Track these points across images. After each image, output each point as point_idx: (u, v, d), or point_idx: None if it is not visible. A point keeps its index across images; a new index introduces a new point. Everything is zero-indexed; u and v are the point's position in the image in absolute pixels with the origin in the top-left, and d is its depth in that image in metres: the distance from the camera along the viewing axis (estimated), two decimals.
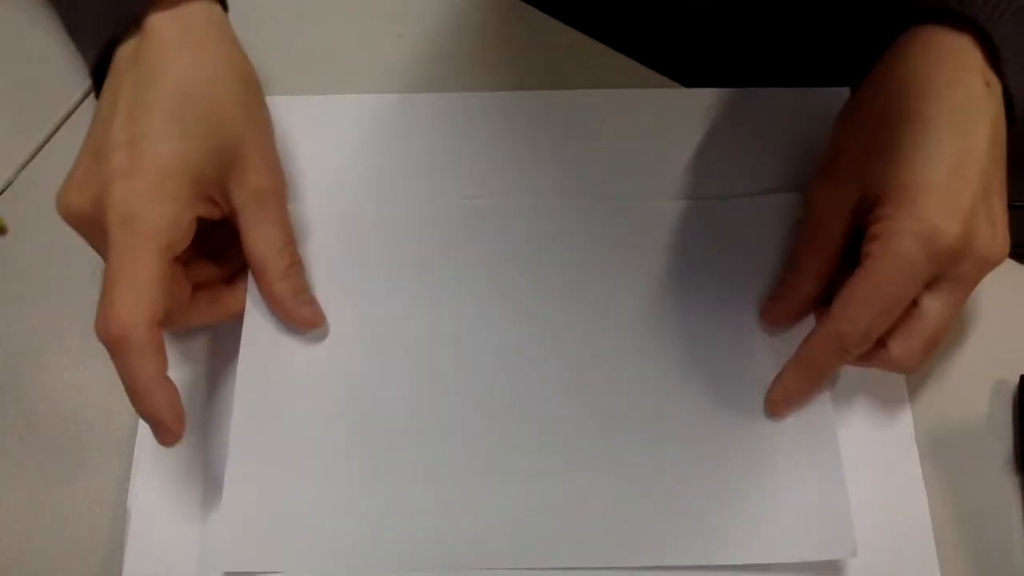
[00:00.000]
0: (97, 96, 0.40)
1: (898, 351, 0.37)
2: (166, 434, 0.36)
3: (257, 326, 0.42)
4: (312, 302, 0.42)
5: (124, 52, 0.39)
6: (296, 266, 0.41)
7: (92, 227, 0.37)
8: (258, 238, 0.40)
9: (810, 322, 0.41)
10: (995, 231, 0.36)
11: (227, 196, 0.39)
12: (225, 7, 0.42)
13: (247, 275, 0.42)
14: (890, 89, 0.38)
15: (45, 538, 0.41)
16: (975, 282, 0.37)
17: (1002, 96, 0.38)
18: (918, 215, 0.35)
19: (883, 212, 0.37)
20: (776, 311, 0.41)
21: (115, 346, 0.35)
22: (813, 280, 0.40)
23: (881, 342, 0.37)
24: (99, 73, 0.40)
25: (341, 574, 0.38)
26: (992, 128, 0.36)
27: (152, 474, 0.40)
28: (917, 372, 0.42)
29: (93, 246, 0.38)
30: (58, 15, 0.45)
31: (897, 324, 0.37)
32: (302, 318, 0.41)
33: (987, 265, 0.36)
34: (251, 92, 0.41)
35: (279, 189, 0.41)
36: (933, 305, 0.37)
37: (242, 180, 0.39)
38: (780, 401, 0.40)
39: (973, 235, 0.35)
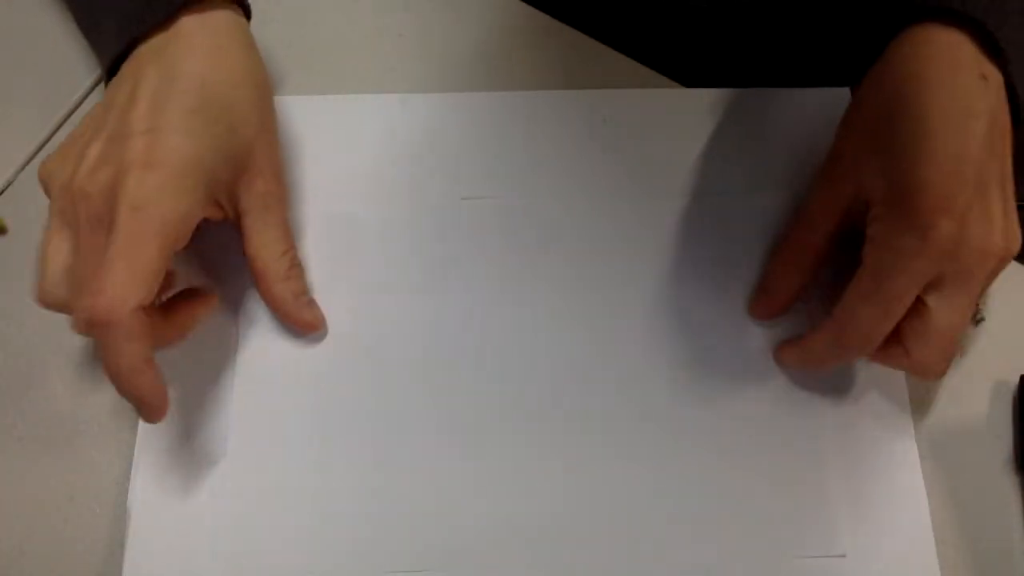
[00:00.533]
0: (107, 84, 0.40)
1: (917, 354, 0.37)
2: (151, 412, 0.37)
3: (256, 327, 0.42)
4: (312, 304, 0.42)
5: (146, 47, 0.39)
6: (296, 269, 0.42)
7: (95, 211, 0.36)
8: (261, 242, 0.41)
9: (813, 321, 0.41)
10: (992, 224, 0.36)
11: (234, 199, 0.40)
12: (248, 16, 0.43)
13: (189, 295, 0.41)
14: (886, 88, 0.38)
15: (45, 538, 0.41)
16: (980, 278, 0.37)
17: (1003, 90, 0.38)
18: (910, 213, 0.35)
19: (877, 212, 0.37)
20: (760, 302, 0.42)
21: (102, 327, 0.34)
22: (796, 272, 0.41)
23: (902, 346, 0.37)
24: (113, 67, 0.40)
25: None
26: (988, 122, 0.36)
27: (152, 474, 0.40)
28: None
29: (70, 222, 0.37)
30: (71, 10, 0.45)
31: (910, 326, 0.37)
32: (302, 320, 0.41)
33: (987, 258, 0.36)
34: (265, 99, 0.41)
35: (283, 195, 0.42)
36: (940, 304, 0.36)
37: (251, 184, 0.40)
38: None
39: (967, 229, 0.35)
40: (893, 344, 0.37)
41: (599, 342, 0.42)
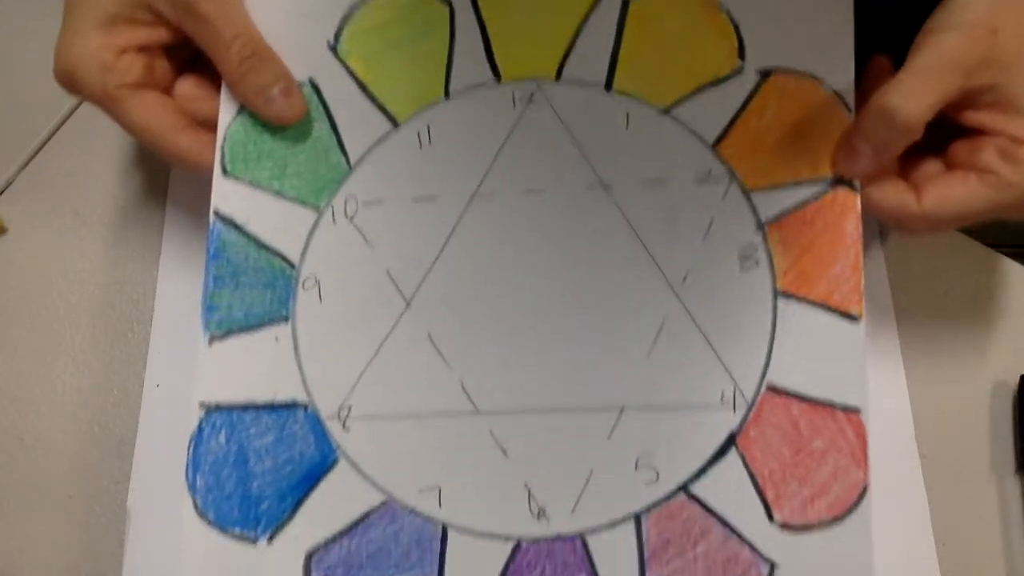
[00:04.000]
0: None
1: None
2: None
3: None
4: (285, 94, 0.39)
5: None
6: (251, 60, 0.39)
7: None
8: (204, 44, 0.38)
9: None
10: None
11: (158, 14, 0.38)
12: None
13: None
14: None
15: (45, 538, 0.41)
16: None
17: None
18: None
19: (1022, 135, 0.35)
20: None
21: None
22: None
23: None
24: None
25: None
26: None
27: (152, 474, 0.40)
28: (918, 371, 0.42)
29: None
30: None
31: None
32: (276, 115, 0.39)
33: None
34: None
35: None
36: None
37: None
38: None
39: None
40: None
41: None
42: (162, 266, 0.44)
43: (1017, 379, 0.42)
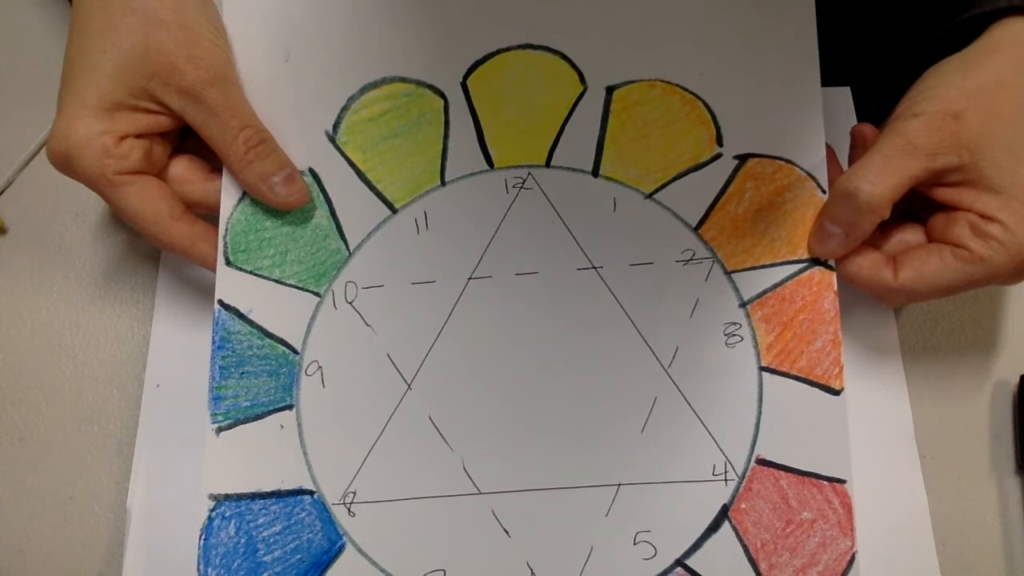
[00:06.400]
0: None
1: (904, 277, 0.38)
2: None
3: None
4: (288, 181, 0.40)
5: None
6: (258, 148, 0.40)
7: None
8: (208, 135, 0.39)
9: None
10: None
11: (162, 103, 0.39)
12: None
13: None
14: (1000, 68, 0.37)
15: (45, 538, 0.41)
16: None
17: None
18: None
19: (991, 212, 0.36)
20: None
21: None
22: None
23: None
24: None
25: None
26: None
27: (152, 474, 0.40)
28: (918, 371, 0.42)
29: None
30: None
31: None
32: (280, 201, 0.40)
33: None
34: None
35: (211, 77, 0.39)
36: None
37: (167, 83, 0.39)
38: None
39: None
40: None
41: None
42: (162, 266, 0.44)
43: (1017, 379, 0.42)
